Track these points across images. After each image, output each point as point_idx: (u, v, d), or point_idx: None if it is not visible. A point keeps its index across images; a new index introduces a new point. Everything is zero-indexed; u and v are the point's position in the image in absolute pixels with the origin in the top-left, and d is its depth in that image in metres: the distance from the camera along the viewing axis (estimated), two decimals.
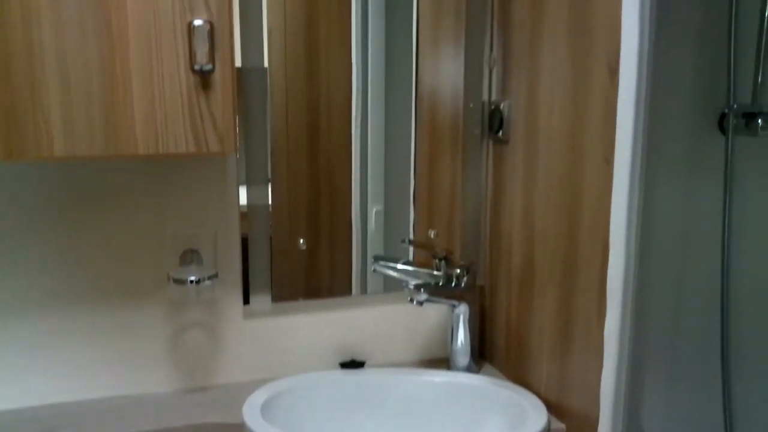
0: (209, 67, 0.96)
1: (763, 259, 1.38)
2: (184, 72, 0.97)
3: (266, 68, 1.22)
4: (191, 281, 1.13)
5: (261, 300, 1.27)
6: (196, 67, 0.96)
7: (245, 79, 1.20)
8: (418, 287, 1.23)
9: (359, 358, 1.33)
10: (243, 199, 1.24)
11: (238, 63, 1.17)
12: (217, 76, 0.98)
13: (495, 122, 1.28)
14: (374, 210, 1.37)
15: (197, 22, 0.95)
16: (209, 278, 1.14)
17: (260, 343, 1.28)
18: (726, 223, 1.31)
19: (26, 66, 0.91)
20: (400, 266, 1.32)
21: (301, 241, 1.28)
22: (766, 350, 1.42)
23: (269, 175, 1.25)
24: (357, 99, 1.31)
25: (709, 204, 1.32)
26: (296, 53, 1.25)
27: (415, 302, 1.22)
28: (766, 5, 1.26)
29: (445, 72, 1.32)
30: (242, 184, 1.24)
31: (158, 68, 0.96)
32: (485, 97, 1.31)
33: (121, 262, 1.18)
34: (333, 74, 1.28)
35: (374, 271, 1.34)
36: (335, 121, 1.29)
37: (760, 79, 1.27)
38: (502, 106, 1.26)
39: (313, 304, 1.31)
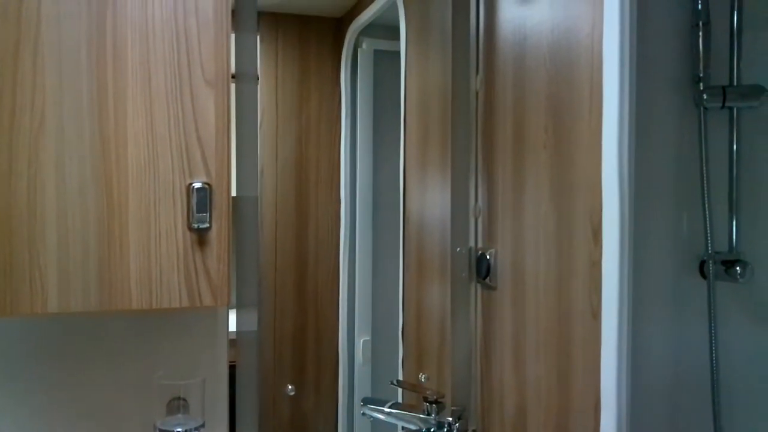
0: (206, 225, 0.99)
1: (752, 401, 1.38)
2: (182, 230, 0.99)
3: (257, 197, 1.25)
4: None
5: None
6: (194, 226, 0.99)
7: (238, 207, 1.23)
8: None
9: None
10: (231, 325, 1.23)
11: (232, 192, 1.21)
12: (213, 234, 1.01)
13: (482, 268, 1.31)
14: (362, 340, 1.37)
15: (196, 185, 0.98)
16: (196, 429, 1.12)
17: None
18: (714, 365, 1.32)
19: (27, 227, 0.93)
20: (388, 410, 1.30)
21: (290, 387, 1.27)
22: None
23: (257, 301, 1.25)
24: (345, 231, 1.34)
25: (696, 346, 1.34)
26: (286, 188, 1.30)
27: None
28: (733, 165, 1.34)
29: (431, 215, 1.37)
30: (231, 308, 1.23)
31: (156, 227, 0.98)
32: (472, 243, 1.35)
33: (107, 410, 1.16)
34: (322, 208, 1.32)
35: (363, 414, 1.32)
36: (323, 252, 1.32)
37: (734, 228, 1.33)
38: (488, 254, 1.29)
39: None
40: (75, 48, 0.94)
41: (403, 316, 1.38)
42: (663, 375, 1.30)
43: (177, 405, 1.14)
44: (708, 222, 1.29)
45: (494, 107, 1.30)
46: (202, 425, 1.13)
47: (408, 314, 1.38)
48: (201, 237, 1.00)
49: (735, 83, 1.35)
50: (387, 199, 1.37)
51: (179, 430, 1.10)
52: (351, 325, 1.36)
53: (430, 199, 1.37)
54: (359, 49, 1.42)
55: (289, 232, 1.30)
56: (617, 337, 0.98)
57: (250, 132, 1.24)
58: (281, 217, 1.31)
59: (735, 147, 1.35)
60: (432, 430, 1.26)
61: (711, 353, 1.28)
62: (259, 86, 1.31)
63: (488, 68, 1.32)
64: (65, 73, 0.94)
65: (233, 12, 1.09)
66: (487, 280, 1.30)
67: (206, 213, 0.99)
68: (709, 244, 1.29)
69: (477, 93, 1.36)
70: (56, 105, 0.94)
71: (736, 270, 1.30)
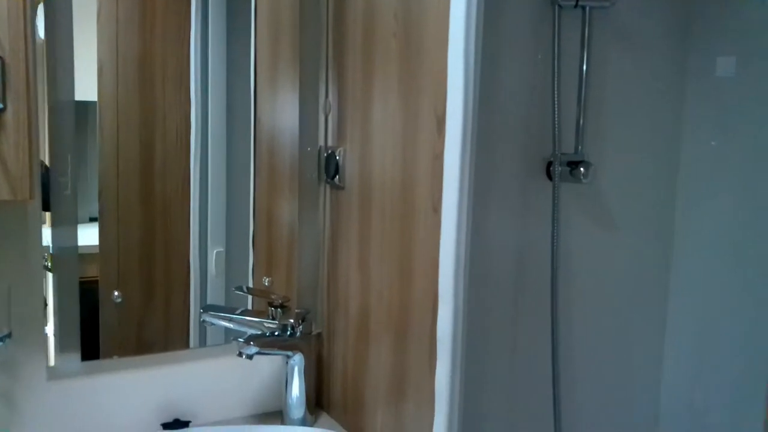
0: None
1: (588, 299, 1.45)
2: None
3: (94, 102, 1.12)
4: None
5: (68, 359, 1.14)
6: None
7: (62, 113, 1.10)
8: (248, 339, 1.16)
9: (185, 416, 1.23)
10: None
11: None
12: (8, 117, 0.87)
13: (331, 168, 1.26)
14: (215, 251, 1.29)
15: None
16: (0, 339, 1.01)
17: (69, 407, 1.15)
18: (554, 260, 1.36)
19: None
20: (232, 316, 1.24)
21: (116, 293, 1.17)
22: (594, 383, 1.49)
23: (78, 216, 1.14)
24: (196, 136, 1.23)
25: (540, 243, 1.37)
26: (129, 88, 1.16)
27: (244, 356, 1.15)
28: (583, 67, 1.34)
29: (282, 115, 1.29)
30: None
31: None
32: (321, 142, 1.29)
33: None
34: (170, 111, 1.20)
35: (203, 322, 1.25)
36: (172, 158, 1.21)
37: (581, 132, 1.35)
38: (337, 153, 1.23)
39: (134, 360, 1.20)
40: None
41: (253, 223, 1.31)
42: (506, 268, 1.33)
43: None
44: (556, 123, 1.30)
45: None
46: (8, 335, 1.01)
47: (259, 221, 1.31)
48: None
49: None
50: (243, 100, 1.27)
51: None
52: (203, 235, 1.27)
53: (281, 98, 1.29)
54: None
55: (132, 137, 1.18)
56: (456, 231, 0.96)
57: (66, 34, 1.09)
58: (123, 121, 1.17)
59: (586, 48, 1.35)
60: (276, 333, 1.22)
61: (552, 249, 1.32)
62: None
63: None
64: None
65: None
66: (336, 179, 1.25)
67: None
68: (557, 145, 1.30)
69: None
70: None
71: (580, 171, 1.32)
